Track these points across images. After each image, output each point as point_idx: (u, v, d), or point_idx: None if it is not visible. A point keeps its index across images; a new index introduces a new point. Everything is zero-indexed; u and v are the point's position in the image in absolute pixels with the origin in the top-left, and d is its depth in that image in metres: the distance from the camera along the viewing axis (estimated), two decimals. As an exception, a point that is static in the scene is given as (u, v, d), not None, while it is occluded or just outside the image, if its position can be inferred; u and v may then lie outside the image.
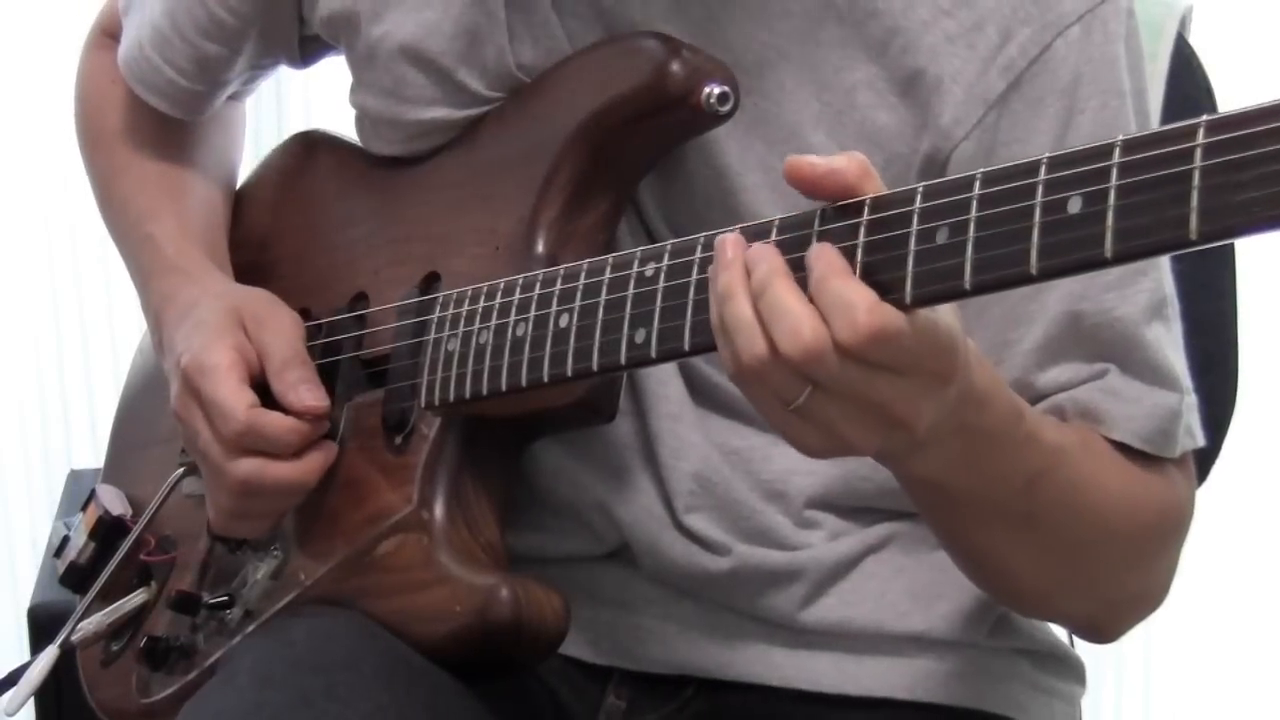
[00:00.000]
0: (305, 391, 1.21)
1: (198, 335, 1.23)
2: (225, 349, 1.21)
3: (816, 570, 1.20)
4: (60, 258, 2.50)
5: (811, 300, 0.91)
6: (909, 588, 1.21)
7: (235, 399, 1.19)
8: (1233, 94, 1.49)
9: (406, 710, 1.05)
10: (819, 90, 1.14)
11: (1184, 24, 1.47)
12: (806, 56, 1.14)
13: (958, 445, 1.01)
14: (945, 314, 0.93)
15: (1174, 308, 1.16)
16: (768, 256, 0.94)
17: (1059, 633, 1.31)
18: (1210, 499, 1.38)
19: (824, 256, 0.92)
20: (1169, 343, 1.14)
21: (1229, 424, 1.49)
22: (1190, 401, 1.16)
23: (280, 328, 1.24)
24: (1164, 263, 1.14)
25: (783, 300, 0.92)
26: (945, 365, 0.94)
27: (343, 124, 1.37)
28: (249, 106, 1.51)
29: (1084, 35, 1.12)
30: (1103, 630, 1.23)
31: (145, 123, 1.41)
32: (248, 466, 1.19)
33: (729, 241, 0.96)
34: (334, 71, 1.37)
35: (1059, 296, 1.12)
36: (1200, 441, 1.17)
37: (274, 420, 1.19)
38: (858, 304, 0.89)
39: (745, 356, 0.93)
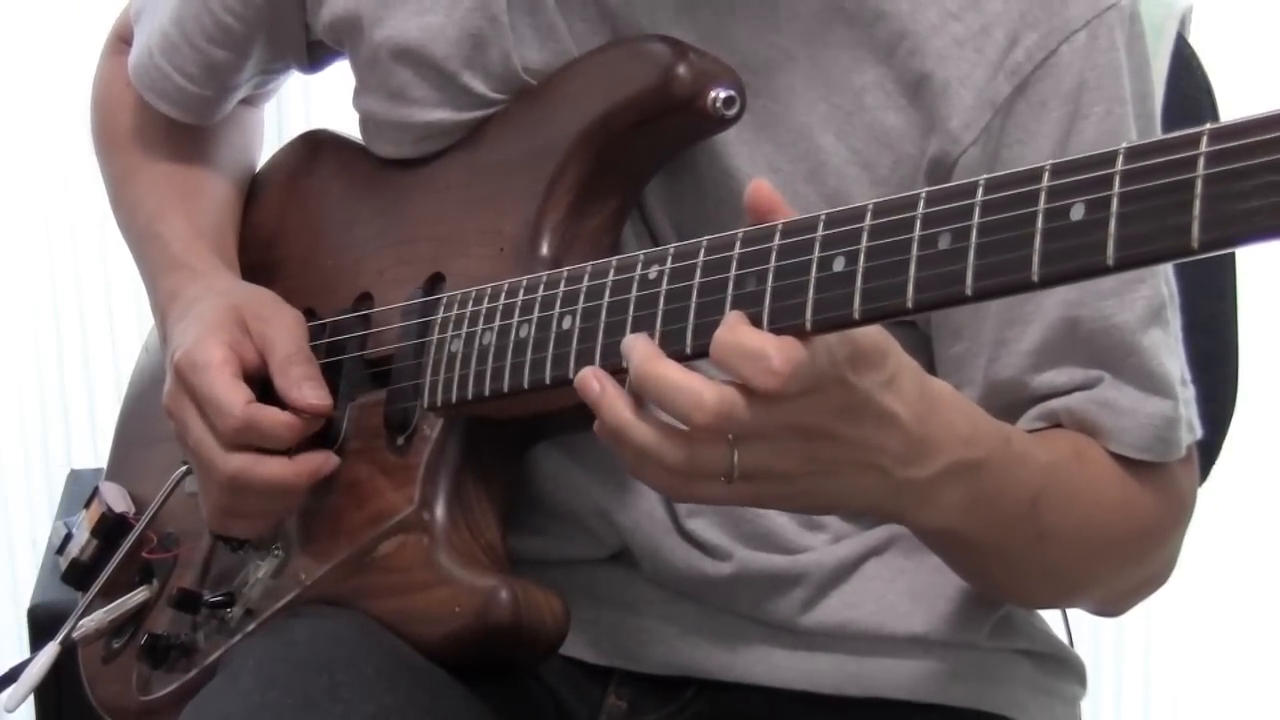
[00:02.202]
0: (309, 388, 1.21)
1: (192, 330, 1.23)
2: (218, 345, 1.21)
3: (818, 573, 1.21)
4: (60, 258, 2.50)
5: (717, 364, 0.93)
6: (910, 589, 1.22)
7: (231, 394, 1.19)
8: (1233, 94, 1.50)
9: (409, 711, 1.05)
10: (828, 92, 1.15)
11: (1184, 24, 1.47)
12: (815, 58, 1.14)
13: (961, 489, 1.03)
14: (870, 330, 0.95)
15: (1174, 308, 1.17)
16: (637, 344, 0.97)
17: (1059, 633, 1.32)
18: (1210, 499, 1.38)
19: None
20: (1166, 348, 1.14)
21: (1229, 423, 1.50)
22: (1187, 396, 1.17)
23: (283, 324, 1.24)
24: (1161, 268, 1.14)
25: (667, 378, 0.94)
26: (872, 368, 0.96)
27: (342, 126, 1.37)
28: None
29: (1089, 41, 1.12)
30: (1112, 611, 1.26)
31: (158, 124, 1.42)
32: (239, 461, 1.19)
33: (588, 375, 0.99)
34: (334, 74, 1.37)
35: (1056, 301, 1.13)
36: (1199, 433, 1.19)
37: (271, 415, 1.19)
38: (767, 350, 0.91)
39: (674, 461, 0.96)
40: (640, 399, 0.97)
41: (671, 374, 0.95)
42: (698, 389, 0.93)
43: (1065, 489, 1.12)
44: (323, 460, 1.21)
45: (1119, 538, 1.16)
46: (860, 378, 0.95)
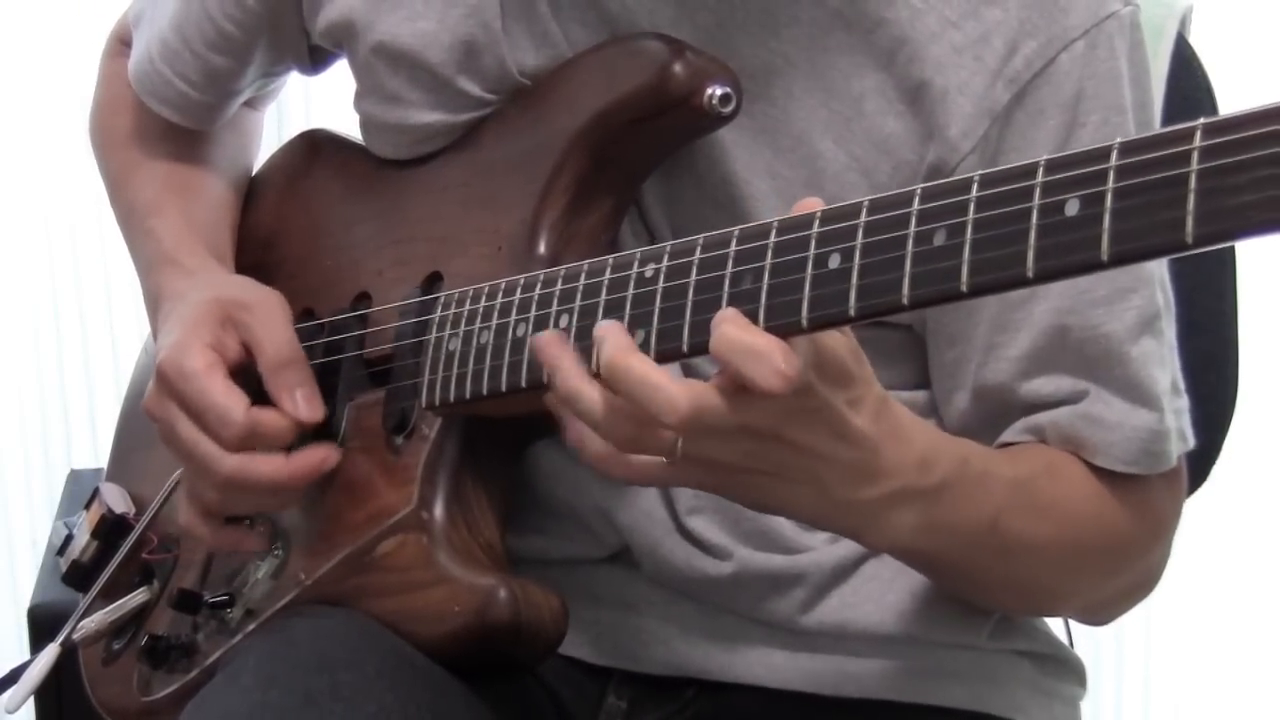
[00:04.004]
0: (302, 397, 1.20)
1: (175, 331, 1.23)
2: (201, 349, 1.21)
3: (817, 574, 1.20)
4: (60, 258, 2.51)
5: (720, 360, 0.93)
6: (909, 590, 1.21)
7: (230, 401, 1.19)
8: (1233, 94, 1.49)
9: (410, 710, 1.05)
10: (827, 97, 1.15)
11: (1184, 24, 1.47)
12: (814, 64, 1.14)
13: (912, 513, 1.04)
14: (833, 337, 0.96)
15: (1169, 317, 1.16)
16: (609, 335, 0.97)
17: (1059, 634, 1.32)
18: (1210, 499, 1.38)
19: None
20: (1156, 359, 1.14)
21: (1229, 424, 1.50)
22: (1179, 406, 1.16)
23: (269, 314, 1.24)
24: (1156, 276, 1.14)
25: (647, 376, 0.95)
26: (836, 382, 0.97)
27: (342, 126, 1.37)
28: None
29: (1088, 50, 1.12)
30: (1098, 620, 1.26)
31: (157, 124, 1.42)
32: (236, 460, 1.19)
33: (546, 341, 1.00)
34: (334, 74, 1.38)
35: (1047, 309, 1.13)
36: (1191, 443, 1.18)
37: (273, 420, 1.19)
38: (774, 352, 0.92)
39: (619, 436, 0.97)
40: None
41: (649, 372, 0.95)
42: (672, 391, 0.94)
43: (1032, 504, 1.12)
44: (322, 457, 1.20)
45: (1091, 551, 1.16)
46: (822, 384, 0.96)
